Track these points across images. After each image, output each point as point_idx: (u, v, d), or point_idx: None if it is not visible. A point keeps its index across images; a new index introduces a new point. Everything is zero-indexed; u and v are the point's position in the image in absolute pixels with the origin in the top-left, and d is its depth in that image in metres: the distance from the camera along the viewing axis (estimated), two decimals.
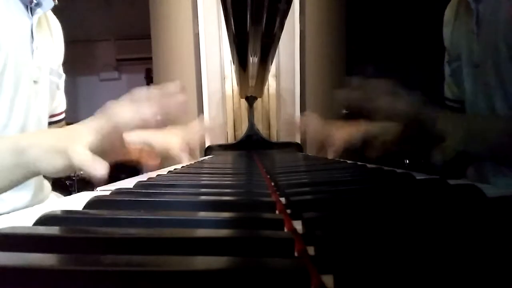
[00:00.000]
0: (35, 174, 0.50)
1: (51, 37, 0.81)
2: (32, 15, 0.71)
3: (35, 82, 0.73)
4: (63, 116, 0.92)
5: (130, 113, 0.50)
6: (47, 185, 0.83)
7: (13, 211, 0.59)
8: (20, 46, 0.69)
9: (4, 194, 0.64)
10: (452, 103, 0.88)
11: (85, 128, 0.50)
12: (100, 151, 0.47)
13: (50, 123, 0.87)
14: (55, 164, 0.47)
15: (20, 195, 0.72)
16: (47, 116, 0.78)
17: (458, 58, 0.79)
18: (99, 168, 0.44)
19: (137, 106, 0.51)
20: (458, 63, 0.79)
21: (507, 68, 0.67)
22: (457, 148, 0.51)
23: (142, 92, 0.53)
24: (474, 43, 0.73)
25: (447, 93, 0.89)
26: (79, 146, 0.46)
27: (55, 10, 0.88)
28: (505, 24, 0.66)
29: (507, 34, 0.66)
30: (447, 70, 0.87)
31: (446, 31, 0.84)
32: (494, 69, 0.69)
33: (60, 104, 0.90)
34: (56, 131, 0.52)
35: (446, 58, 0.85)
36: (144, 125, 0.52)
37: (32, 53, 0.72)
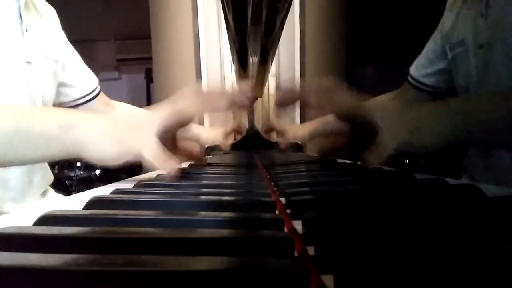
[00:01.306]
0: (74, 155, 0.45)
1: (42, 23, 0.81)
2: None
3: (28, 62, 0.73)
4: (97, 91, 0.96)
5: (197, 106, 0.49)
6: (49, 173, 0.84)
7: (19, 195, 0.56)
8: (8, 26, 0.70)
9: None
10: (416, 82, 0.94)
11: (154, 123, 0.46)
12: (163, 143, 0.45)
13: (92, 99, 0.94)
14: (106, 152, 0.44)
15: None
16: (41, 100, 0.78)
17: (462, 44, 0.80)
18: (171, 164, 0.42)
19: (205, 100, 0.50)
20: (460, 48, 0.80)
21: None
22: (390, 148, 0.45)
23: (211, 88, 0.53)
24: (481, 25, 0.74)
25: (414, 71, 0.94)
26: (152, 144, 0.43)
27: (55, 9, 0.88)
28: None
29: None
30: (438, 53, 0.89)
31: (449, 16, 0.86)
32: (503, 48, 0.71)
33: (86, 82, 0.94)
34: (118, 119, 0.47)
35: (446, 43, 0.86)
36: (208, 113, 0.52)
37: (23, 34, 0.72)
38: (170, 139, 0.50)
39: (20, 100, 0.71)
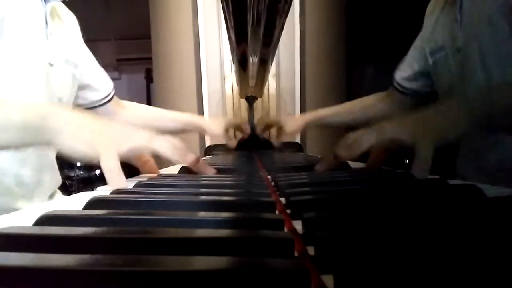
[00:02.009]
0: (47, 142, 0.49)
1: (64, 29, 0.85)
2: (46, 3, 0.76)
3: (50, 64, 0.76)
4: (112, 94, 0.99)
5: (170, 150, 0.52)
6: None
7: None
8: (35, 29, 0.73)
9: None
10: (401, 87, 0.98)
11: (125, 140, 0.49)
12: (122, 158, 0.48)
13: (106, 103, 0.97)
14: (74, 148, 0.47)
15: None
16: (57, 101, 0.80)
17: (442, 49, 0.83)
18: (118, 181, 0.45)
19: (178, 150, 0.52)
20: (441, 53, 0.84)
21: (488, 50, 0.72)
22: (429, 155, 0.48)
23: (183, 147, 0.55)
24: (457, 30, 0.78)
25: (400, 77, 0.99)
26: (113, 155, 0.46)
27: None
28: (488, 8, 0.71)
29: (490, 17, 0.71)
30: (419, 59, 0.92)
31: (428, 22, 0.89)
32: (477, 51, 0.74)
33: (104, 86, 0.97)
34: (96, 123, 0.51)
35: (426, 49, 0.89)
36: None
37: (47, 38, 0.76)
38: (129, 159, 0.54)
39: (40, 100, 0.74)
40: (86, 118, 0.51)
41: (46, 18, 0.76)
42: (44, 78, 0.74)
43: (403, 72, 0.98)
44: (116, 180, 0.45)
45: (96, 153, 0.46)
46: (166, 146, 0.52)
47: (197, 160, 0.54)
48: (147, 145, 0.51)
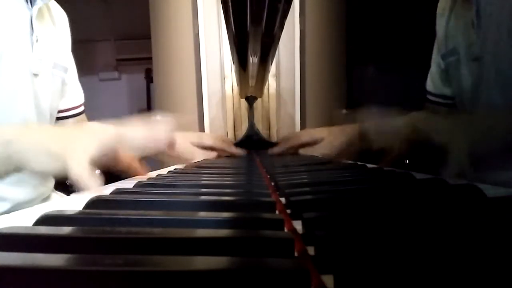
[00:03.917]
0: (20, 169, 0.47)
1: (54, 29, 0.80)
2: (32, 6, 0.70)
3: (35, 75, 0.71)
4: (81, 109, 0.92)
5: (142, 134, 0.50)
6: (51, 179, 0.84)
7: (15, 207, 0.58)
8: (18, 38, 0.68)
9: (3, 192, 0.65)
10: (435, 97, 0.88)
11: (91, 140, 0.47)
12: (95, 162, 0.46)
13: (69, 117, 0.88)
14: (44, 165, 0.45)
15: (19, 190, 0.72)
16: (49, 111, 0.77)
17: (455, 52, 0.76)
18: (91, 185, 0.42)
19: (150, 130, 0.50)
20: (454, 57, 0.77)
21: (508, 61, 0.65)
22: (464, 162, 0.46)
23: (158, 118, 0.53)
24: (474, 36, 0.70)
25: (430, 87, 0.89)
26: (81, 159, 0.43)
27: None
28: (509, 16, 0.64)
29: (510, 26, 0.63)
30: (439, 64, 0.85)
31: (440, 22, 0.82)
32: (495, 62, 0.67)
33: (76, 97, 0.91)
34: (58, 132, 0.48)
35: (439, 51, 0.83)
36: (151, 148, 0.52)
37: (32, 46, 0.71)
38: (109, 155, 0.50)
39: (27, 112, 0.70)
40: (48, 130, 0.48)
41: (31, 22, 0.70)
42: (27, 90, 0.69)
43: (437, 80, 0.87)
44: (88, 185, 0.41)
45: (65, 164, 0.43)
46: (139, 134, 0.49)
47: (172, 144, 0.51)
48: (116, 137, 0.48)
